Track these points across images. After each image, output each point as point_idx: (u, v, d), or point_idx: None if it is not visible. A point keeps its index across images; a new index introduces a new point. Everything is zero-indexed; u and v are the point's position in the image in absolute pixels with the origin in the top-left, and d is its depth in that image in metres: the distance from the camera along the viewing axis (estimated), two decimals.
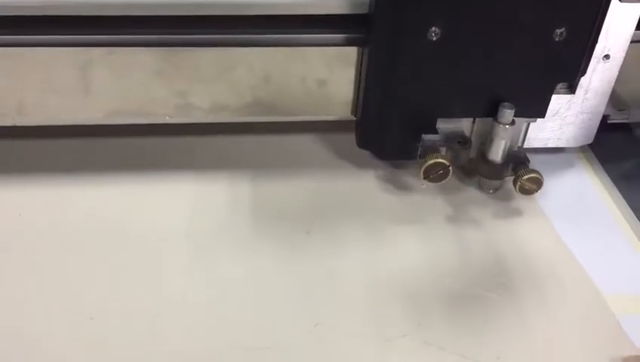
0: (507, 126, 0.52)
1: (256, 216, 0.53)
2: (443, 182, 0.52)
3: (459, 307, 0.47)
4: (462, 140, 0.54)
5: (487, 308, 0.47)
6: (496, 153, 0.54)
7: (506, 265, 0.50)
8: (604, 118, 0.60)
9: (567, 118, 0.57)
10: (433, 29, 0.49)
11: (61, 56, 0.52)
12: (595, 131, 0.58)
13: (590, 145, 0.61)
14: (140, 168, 0.57)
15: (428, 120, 0.54)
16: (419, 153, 0.54)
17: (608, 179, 0.59)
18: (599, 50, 0.53)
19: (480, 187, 0.57)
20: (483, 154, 0.55)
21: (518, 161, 0.54)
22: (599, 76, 0.54)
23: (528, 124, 0.56)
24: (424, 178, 0.52)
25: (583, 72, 0.53)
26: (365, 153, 0.58)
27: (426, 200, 0.55)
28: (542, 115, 0.54)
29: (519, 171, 0.53)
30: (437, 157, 0.52)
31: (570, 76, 0.53)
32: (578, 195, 0.58)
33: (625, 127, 0.63)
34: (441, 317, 0.46)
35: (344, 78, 0.56)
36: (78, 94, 0.54)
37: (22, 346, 0.42)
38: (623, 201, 0.56)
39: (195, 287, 0.47)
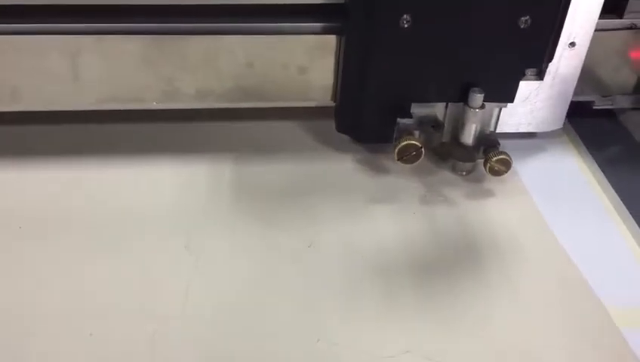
0: (477, 110, 0.55)
1: (238, 196, 0.55)
2: (416, 163, 0.55)
3: (428, 281, 0.49)
4: (435, 124, 0.57)
5: (454, 282, 0.49)
6: (468, 136, 0.56)
7: (475, 241, 0.53)
8: (590, 103, 0.64)
9: (536, 103, 0.59)
10: (404, 16, 0.51)
11: (52, 44, 0.55)
12: (564, 116, 0.61)
13: (577, 131, 0.64)
14: (128, 152, 0.59)
15: (402, 104, 0.56)
16: (394, 136, 0.56)
17: (594, 162, 0.61)
18: (565, 37, 0.55)
19: (453, 169, 0.60)
20: (456, 138, 0.57)
21: (489, 143, 0.57)
22: (566, 63, 0.57)
23: (500, 109, 0.58)
24: (398, 159, 0.55)
25: (550, 59, 0.56)
26: (345, 137, 0.60)
27: (402, 181, 0.58)
28: (511, 99, 0.57)
29: (489, 153, 0.56)
30: (410, 140, 0.54)
31: (536, 62, 0.56)
32: (563, 178, 0.60)
33: (610, 113, 0.66)
34: (409, 290, 0.48)
35: (324, 66, 0.58)
36: (68, 81, 0.57)
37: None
38: (607, 183, 0.59)
39: (181, 259, 0.50)
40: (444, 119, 0.58)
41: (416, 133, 0.56)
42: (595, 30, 0.56)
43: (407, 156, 0.55)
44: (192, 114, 0.62)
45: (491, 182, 0.58)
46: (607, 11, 0.56)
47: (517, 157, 0.58)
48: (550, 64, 0.57)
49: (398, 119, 0.56)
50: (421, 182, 0.58)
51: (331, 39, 0.57)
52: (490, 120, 0.58)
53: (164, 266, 0.49)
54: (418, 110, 0.57)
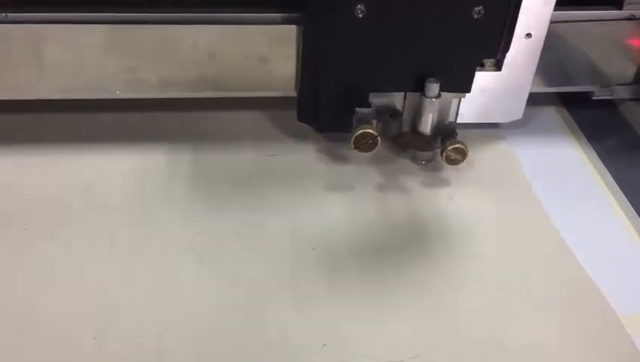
0: (433, 99, 0.56)
1: (194, 184, 0.56)
2: (373, 151, 0.56)
3: (373, 265, 0.50)
4: (393, 113, 0.58)
5: (399, 267, 0.50)
6: (425, 125, 0.57)
7: (423, 229, 0.53)
8: (589, 94, 0.66)
9: (495, 94, 0.60)
10: (359, 6, 0.52)
11: (14, 33, 0.55)
12: (523, 106, 0.61)
13: (576, 121, 0.66)
14: (90, 141, 0.60)
15: (360, 94, 0.57)
16: (354, 125, 0.57)
17: (594, 152, 0.63)
18: (521, 28, 0.56)
19: (413, 159, 0.60)
20: (414, 127, 0.58)
21: (446, 133, 0.58)
22: (523, 54, 0.58)
23: (459, 100, 0.59)
24: (355, 148, 0.55)
25: (506, 49, 0.57)
26: (306, 127, 0.61)
27: (360, 170, 0.59)
28: (467, 90, 0.57)
29: (446, 142, 0.56)
30: (366, 128, 0.55)
31: (491, 53, 0.57)
32: (563, 167, 0.61)
33: (609, 104, 0.67)
34: (354, 273, 0.49)
35: (285, 56, 0.59)
36: (31, 70, 0.57)
37: None
38: (607, 172, 0.60)
39: (138, 243, 0.51)
40: (403, 109, 0.58)
41: (374, 122, 0.56)
42: (594, 21, 0.58)
43: (363, 145, 0.55)
44: (153, 103, 0.62)
45: (448, 171, 0.59)
46: (606, 3, 0.58)
47: (517, 146, 0.61)
48: (508, 55, 0.58)
49: (357, 108, 0.57)
50: (379, 171, 0.59)
51: (292, 29, 0.58)
52: (448, 110, 0.59)
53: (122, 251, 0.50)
54: (377, 100, 0.58)
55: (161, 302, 0.46)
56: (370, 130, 0.55)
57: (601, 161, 0.61)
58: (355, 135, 0.55)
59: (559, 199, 0.57)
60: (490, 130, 0.64)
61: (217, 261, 0.50)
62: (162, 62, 0.58)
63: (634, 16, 0.60)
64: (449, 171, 0.59)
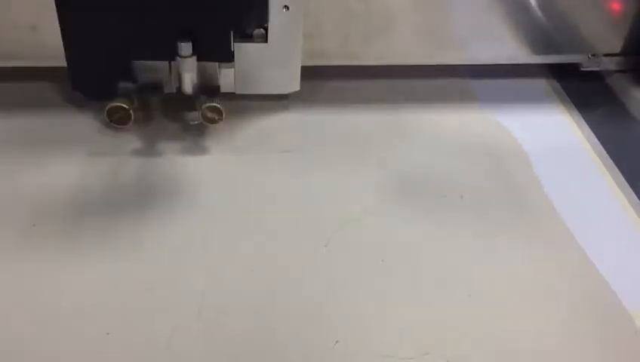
0: (187, 58, 0.56)
1: None
2: (127, 125, 0.57)
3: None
4: (153, 86, 0.59)
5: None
6: (187, 86, 0.58)
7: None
8: (577, 65, 0.68)
9: (267, 66, 0.61)
10: None
11: None
12: (298, 78, 0.63)
13: (566, 92, 0.69)
14: None
15: (122, 62, 0.57)
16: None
17: (583, 122, 0.65)
18: (278, 1, 0.57)
19: (184, 121, 0.62)
20: (178, 90, 0.59)
21: (208, 94, 0.59)
22: (284, 26, 0.58)
23: (233, 71, 0.60)
24: (109, 120, 0.56)
25: (262, 21, 0.57)
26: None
27: (127, 136, 0.60)
28: (228, 59, 0.58)
29: (203, 102, 0.57)
30: (118, 102, 0.56)
31: (246, 24, 0.57)
32: (554, 136, 0.64)
33: (597, 75, 0.70)
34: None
35: (55, 25, 0.59)
36: None
37: None
38: (596, 140, 0.63)
39: None
40: (170, 77, 0.59)
41: (133, 96, 0.57)
42: None
43: (116, 117, 0.56)
44: None
45: (208, 139, 0.61)
46: None
47: (509, 116, 0.64)
48: (272, 27, 0.58)
49: (120, 81, 0.57)
50: (141, 136, 0.60)
51: None
52: (215, 76, 0.60)
53: None
54: (143, 75, 0.58)
55: None
56: (121, 104, 0.56)
57: (590, 129, 0.64)
58: (107, 108, 0.56)
59: (549, 164, 0.60)
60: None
61: None
62: None
63: None
64: (208, 139, 0.60)
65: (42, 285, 0.47)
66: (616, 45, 0.68)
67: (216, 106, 0.57)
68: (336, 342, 0.45)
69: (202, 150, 0.60)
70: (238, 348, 0.44)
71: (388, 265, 0.50)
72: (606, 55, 0.68)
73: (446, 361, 0.44)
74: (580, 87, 0.70)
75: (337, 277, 0.49)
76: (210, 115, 0.57)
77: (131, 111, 0.56)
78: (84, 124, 0.61)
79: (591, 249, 0.52)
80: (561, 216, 0.55)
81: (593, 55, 0.68)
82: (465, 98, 0.68)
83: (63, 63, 0.60)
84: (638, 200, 0.57)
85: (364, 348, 0.45)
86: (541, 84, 0.71)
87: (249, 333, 0.45)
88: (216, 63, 0.59)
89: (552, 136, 0.65)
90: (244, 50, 0.60)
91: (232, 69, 0.61)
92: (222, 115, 0.57)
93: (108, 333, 0.44)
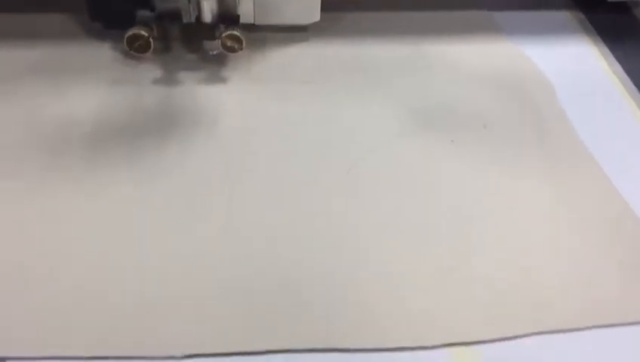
0: None
1: None
2: (146, 53, 0.56)
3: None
4: (172, 15, 0.58)
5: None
6: (206, 15, 0.57)
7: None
8: None
9: None
10: None
11: None
12: (317, 9, 0.61)
13: (591, 23, 0.68)
14: None
15: None
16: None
17: (610, 54, 0.64)
18: None
19: (204, 51, 0.61)
20: (197, 19, 0.58)
21: (228, 22, 0.58)
22: None
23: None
24: (129, 49, 0.56)
25: None
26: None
27: (147, 66, 0.59)
28: None
29: (223, 30, 0.57)
30: (138, 30, 0.55)
31: None
32: (580, 68, 0.63)
33: (624, 6, 0.69)
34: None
35: None
36: None
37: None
38: (623, 73, 0.62)
39: None
40: (189, 5, 0.58)
41: (152, 23, 0.57)
42: None
43: (136, 46, 0.56)
44: None
45: (227, 69, 0.60)
46: None
47: (534, 48, 0.63)
48: None
49: (138, 11, 0.57)
50: (161, 66, 0.59)
51: None
52: (234, 6, 0.59)
53: None
54: (161, 4, 0.57)
55: None
56: (140, 32, 0.55)
57: (618, 61, 0.63)
58: (126, 36, 0.55)
59: (576, 97, 0.59)
60: None
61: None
62: None
63: None
64: (228, 69, 0.60)
65: (68, 209, 0.48)
66: None
67: (236, 34, 0.56)
68: None
69: (222, 80, 0.59)
70: (261, 263, 0.45)
71: (409, 191, 0.50)
72: None
73: (470, 276, 0.45)
74: (606, 18, 0.68)
75: (358, 200, 0.49)
76: (230, 43, 0.57)
77: (151, 39, 0.56)
78: (103, 54, 0.60)
79: (614, 176, 0.52)
80: (585, 144, 0.55)
81: None
82: (488, 30, 0.67)
83: None
84: None
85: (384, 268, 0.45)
86: (566, 16, 0.70)
87: (271, 251, 0.46)
88: None
89: (577, 66, 0.63)
90: None
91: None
92: (242, 44, 0.57)
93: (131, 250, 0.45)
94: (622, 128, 0.57)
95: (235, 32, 0.56)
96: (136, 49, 0.56)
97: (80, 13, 0.63)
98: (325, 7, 0.62)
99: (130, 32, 0.55)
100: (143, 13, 0.57)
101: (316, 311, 0.42)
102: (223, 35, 0.56)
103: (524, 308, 0.43)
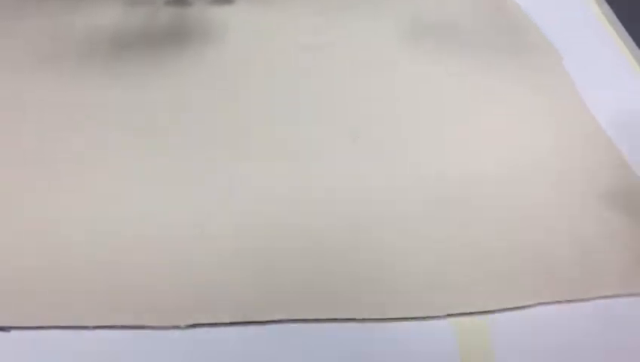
0: None
1: None
2: None
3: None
4: None
5: None
6: None
7: None
8: None
9: None
10: None
11: None
12: None
13: None
14: None
15: None
16: None
17: (611, 12, 0.65)
18: None
19: None
20: None
21: None
22: None
23: None
24: None
25: None
26: None
27: None
28: None
29: None
30: None
31: None
32: (582, 25, 0.64)
33: None
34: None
35: None
36: None
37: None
38: (624, 31, 0.62)
39: None
40: None
41: None
42: None
43: None
44: None
45: None
46: None
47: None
48: None
49: None
50: None
51: None
52: None
53: None
54: None
55: None
56: None
57: (619, 19, 0.64)
58: None
59: (575, 53, 0.60)
60: None
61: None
62: None
63: None
64: None
65: (93, 105, 0.51)
66: None
67: None
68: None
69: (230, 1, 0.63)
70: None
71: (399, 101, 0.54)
72: None
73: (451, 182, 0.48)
74: None
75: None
76: None
77: None
78: None
79: (587, 92, 0.55)
80: (561, 54, 0.59)
81: None
82: None
83: None
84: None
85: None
86: None
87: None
88: None
89: (579, 23, 0.64)
90: None
91: None
92: None
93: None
94: (596, 42, 0.61)
95: None
96: None
97: None
98: None
99: None
100: None
101: (321, 281, 0.42)
102: None
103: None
